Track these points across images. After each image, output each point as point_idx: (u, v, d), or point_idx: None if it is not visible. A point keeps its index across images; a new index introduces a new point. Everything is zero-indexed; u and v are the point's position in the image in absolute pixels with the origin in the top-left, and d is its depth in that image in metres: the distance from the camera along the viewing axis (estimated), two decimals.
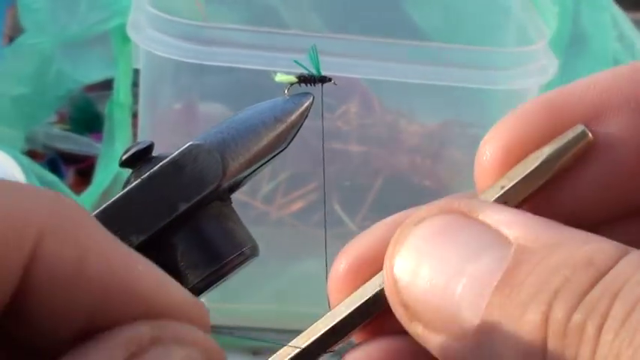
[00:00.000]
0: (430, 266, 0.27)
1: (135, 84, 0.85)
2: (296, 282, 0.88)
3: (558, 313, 0.24)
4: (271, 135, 0.32)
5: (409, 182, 0.90)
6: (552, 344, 0.24)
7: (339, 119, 0.89)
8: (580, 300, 0.24)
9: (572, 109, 0.29)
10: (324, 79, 0.32)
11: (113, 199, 0.30)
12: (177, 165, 0.30)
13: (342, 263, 0.31)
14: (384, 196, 0.89)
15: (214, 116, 0.86)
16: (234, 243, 0.31)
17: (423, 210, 0.29)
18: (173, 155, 0.31)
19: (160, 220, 0.30)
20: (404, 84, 0.83)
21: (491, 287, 0.26)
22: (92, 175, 0.91)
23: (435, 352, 0.27)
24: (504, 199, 0.29)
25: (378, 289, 0.30)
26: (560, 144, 0.29)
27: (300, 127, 0.32)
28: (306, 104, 0.32)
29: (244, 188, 0.97)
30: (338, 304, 0.31)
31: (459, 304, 0.26)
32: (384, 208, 0.94)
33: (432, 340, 0.27)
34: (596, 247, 0.25)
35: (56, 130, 1.02)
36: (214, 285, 0.31)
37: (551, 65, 0.76)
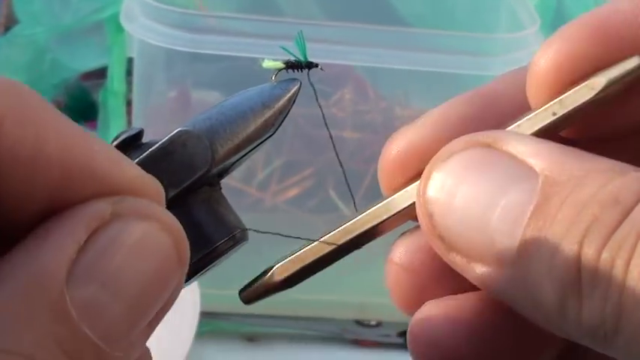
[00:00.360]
0: (462, 200, 0.29)
1: (129, 72, 0.85)
2: None
3: (588, 251, 0.26)
4: (259, 121, 0.32)
5: None
6: (585, 279, 0.26)
7: (334, 106, 0.90)
8: (608, 238, 0.25)
9: (623, 31, 0.30)
10: (310, 65, 0.33)
11: None
12: (166, 151, 0.31)
13: (393, 149, 0.33)
14: (378, 182, 0.89)
15: (208, 103, 0.86)
16: (224, 227, 0.32)
17: (450, 145, 0.30)
18: (162, 141, 0.31)
19: None
20: (398, 70, 0.83)
21: (523, 219, 0.27)
22: None
23: (473, 281, 0.29)
24: (555, 124, 0.30)
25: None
26: (615, 75, 0.30)
27: (288, 112, 0.33)
28: (293, 90, 0.32)
29: (239, 175, 0.97)
30: (376, 203, 0.33)
31: (492, 236, 0.28)
32: (379, 193, 0.95)
33: (469, 269, 0.29)
34: (620, 183, 0.26)
35: None
36: (205, 270, 0.32)
37: None
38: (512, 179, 0.28)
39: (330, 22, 0.82)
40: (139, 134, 0.31)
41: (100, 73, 0.95)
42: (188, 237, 0.30)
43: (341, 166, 0.36)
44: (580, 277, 0.26)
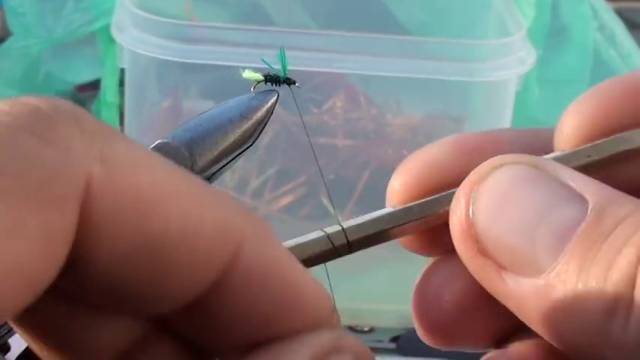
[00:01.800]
0: (509, 207, 0.28)
1: (122, 83, 0.86)
2: None
3: None
4: (237, 132, 0.33)
5: None
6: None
7: (326, 114, 0.90)
8: None
9: None
10: (289, 81, 0.33)
11: None
12: None
13: (397, 180, 0.32)
14: (371, 188, 0.90)
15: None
16: None
17: (497, 157, 0.29)
18: None
19: None
20: (389, 77, 0.83)
21: (572, 234, 0.27)
22: None
23: (494, 289, 0.29)
24: (586, 168, 0.30)
25: (439, 209, 0.30)
26: None
27: (266, 123, 0.33)
28: (271, 101, 0.33)
29: (232, 183, 0.97)
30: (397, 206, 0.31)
31: (535, 248, 0.27)
32: (372, 200, 0.95)
33: (496, 276, 0.28)
34: None
35: None
36: None
37: (529, 56, 0.77)
38: (562, 198, 0.28)
39: (320, 31, 0.82)
40: None
41: (95, 85, 0.95)
42: None
43: (322, 175, 0.37)
44: (633, 291, 0.26)
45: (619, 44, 0.96)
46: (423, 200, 0.31)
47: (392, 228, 0.31)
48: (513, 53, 0.76)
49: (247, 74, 0.34)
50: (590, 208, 0.27)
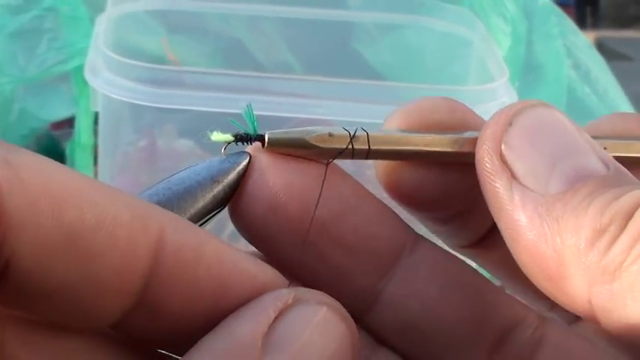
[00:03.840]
0: (545, 134, 0.30)
1: (97, 121, 0.84)
2: None
3: None
4: (207, 196, 0.31)
5: None
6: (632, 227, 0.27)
7: None
8: None
9: None
10: (260, 138, 0.32)
11: None
12: None
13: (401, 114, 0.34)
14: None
15: (179, 152, 0.85)
16: None
17: (530, 100, 0.32)
18: None
19: None
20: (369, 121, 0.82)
21: (590, 177, 0.29)
22: None
23: (496, 189, 0.30)
24: None
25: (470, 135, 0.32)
26: None
27: (237, 187, 0.32)
28: (243, 164, 0.32)
29: (210, 227, 0.95)
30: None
31: (552, 172, 0.29)
32: None
33: (505, 183, 0.30)
34: None
35: None
36: None
37: (512, 102, 0.76)
38: (592, 152, 0.30)
39: (298, 76, 0.81)
40: None
41: (71, 122, 0.94)
42: None
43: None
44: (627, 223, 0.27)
45: (594, 81, 0.96)
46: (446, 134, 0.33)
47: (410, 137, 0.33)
48: (496, 99, 0.75)
49: (216, 137, 0.32)
50: (612, 168, 0.29)
